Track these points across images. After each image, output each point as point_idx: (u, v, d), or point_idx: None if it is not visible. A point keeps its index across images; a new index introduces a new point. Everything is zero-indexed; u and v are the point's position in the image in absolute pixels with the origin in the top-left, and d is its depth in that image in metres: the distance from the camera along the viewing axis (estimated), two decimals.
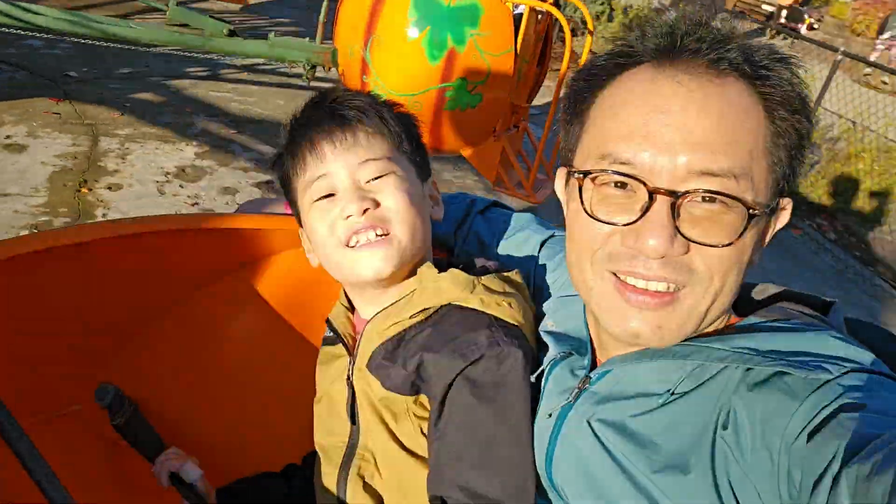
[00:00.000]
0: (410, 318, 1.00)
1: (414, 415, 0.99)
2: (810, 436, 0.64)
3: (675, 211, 0.74)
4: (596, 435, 0.84)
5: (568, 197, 0.87)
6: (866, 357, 0.71)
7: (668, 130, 0.74)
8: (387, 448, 1.01)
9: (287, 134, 1.08)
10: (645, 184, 0.75)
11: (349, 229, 0.99)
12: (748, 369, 0.75)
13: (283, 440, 1.39)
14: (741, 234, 0.74)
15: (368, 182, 1.01)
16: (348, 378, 1.07)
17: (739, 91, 0.75)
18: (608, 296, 0.80)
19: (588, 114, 0.84)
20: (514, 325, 0.99)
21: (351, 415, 1.07)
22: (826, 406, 0.65)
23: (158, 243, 1.20)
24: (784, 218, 0.83)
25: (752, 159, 0.74)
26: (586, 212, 0.80)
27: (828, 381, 0.68)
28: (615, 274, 0.79)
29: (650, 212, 0.74)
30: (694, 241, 0.74)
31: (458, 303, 0.99)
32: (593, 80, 0.84)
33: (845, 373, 0.69)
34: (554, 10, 4.05)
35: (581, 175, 0.81)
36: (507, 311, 0.99)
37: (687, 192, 0.73)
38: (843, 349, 0.72)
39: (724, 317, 0.85)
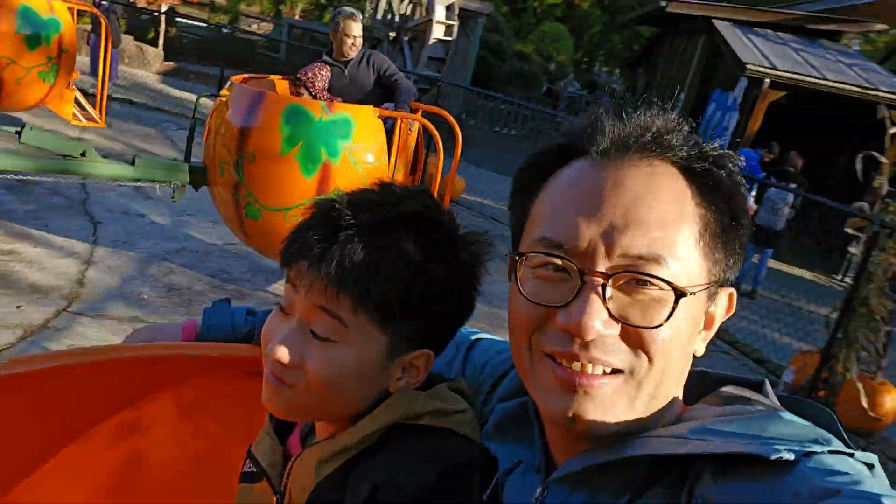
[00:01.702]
0: (359, 444, 0.92)
1: None
2: None
3: (605, 292, 0.74)
4: None
5: (510, 282, 0.86)
6: (823, 435, 0.72)
7: (599, 214, 0.76)
8: None
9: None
10: (576, 265, 0.76)
11: (267, 363, 0.91)
12: (711, 460, 0.73)
13: None
14: (670, 315, 0.74)
15: (313, 334, 0.89)
16: None
17: (669, 176, 0.78)
18: (545, 379, 0.79)
19: (530, 205, 0.86)
20: (465, 438, 0.94)
21: None
22: (799, 494, 0.64)
23: (41, 383, 1.06)
24: (725, 307, 0.84)
25: (684, 244, 0.76)
26: (521, 293, 0.81)
27: (797, 467, 0.67)
28: (553, 357, 0.78)
29: (581, 293, 0.75)
30: (626, 323, 0.74)
31: (408, 421, 0.92)
32: (533, 174, 0.87)
33: (809, 453, 0.68)
34: (423, 121, 4.19)
35: (516, 256, 0.83)
36: (460, 424, 0.94)
37: (616, 273, 0.74)
38: (799, 429, 0.73)
39: (673, 407, 0.84)
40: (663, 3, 13.62)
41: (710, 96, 13.20)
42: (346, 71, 4.66)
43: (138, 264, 4.93)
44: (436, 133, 4.11)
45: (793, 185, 8.42)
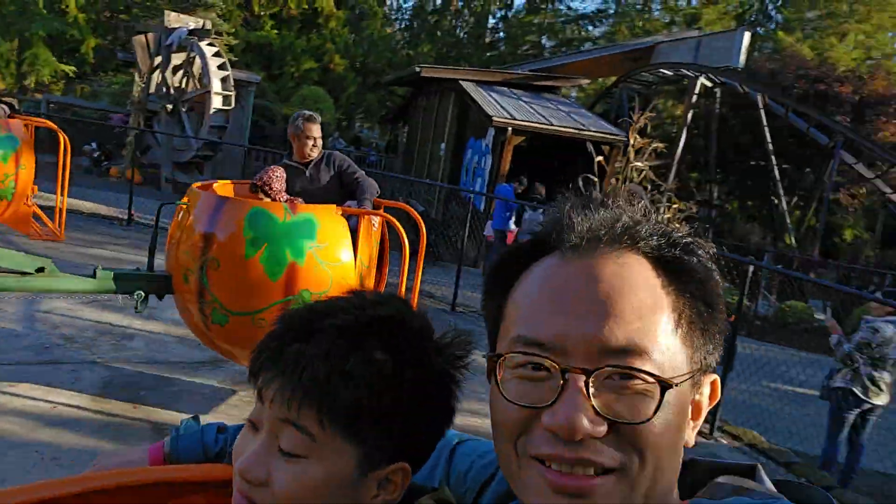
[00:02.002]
0: None
1: None
2: None
3: (588, 389, 0.72)
4: None
5: (490, 384, 0.83)
6: None
7: (575, 310, 0.75)
8: None
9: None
10: (557, 364, 0.74)
11: (235, 481, 0.87)
12: None
13: None
14: (657, 408, 0.72)
15: (280, 450, 0.85)
16: None
17: (641, 267, 0.78)
18: (533, 484, 0.76)
19: (504, 304, 0.85)
20: None
21: None
22: None
23: None
24: (712, 395, 0.83)
25: (663, 334, 0.75)
26: (503, 395, 0.78)
27: None
28: (541, 461, 0.75)
29: (564, 391, 0.73)
30: (613, 420, 0.72)
31: None
32: (506, 272, 0.86)
33: None
34: (387, 217, 4.23)
35: (494, 358, 0.80)
36: None
37: (599, 368, 0.73)
38: None
39: (670, 502, 0.81)
40: (417, 69, 16.62)
41: (467, 144, 15.99)
42: (307, 172, 4.71)
43: None
44: (400, 228, 4.14)
45: (541, 209, 10.74)
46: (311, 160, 4.74)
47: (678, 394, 0.75)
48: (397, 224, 4.15)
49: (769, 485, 0.82)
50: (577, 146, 14.50)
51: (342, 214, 4.07)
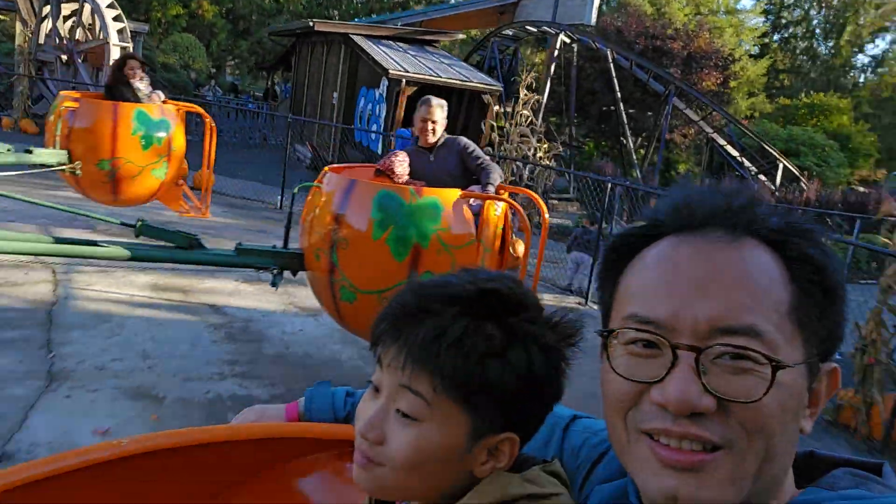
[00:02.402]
0: None
1: None
2: None
3: (700, 366, 0.74)
4: None
5: (601, 360, 0.86)
6: None
7: (688, 289, 0.76)
8: None
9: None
10: (668, 341, 0.76)
11: (357, 441, 0.95)
12: None
13: None
14: (768, 388, 0.72)
15: (398, 412, 0.91)
16: None
17: (758, 252, 0.78)
18: (643, 458, 0.78)
19: (617, 284, 0.88)
20: None
21: None
22: None
23: (154, 464, 1.13)
24: (831, 384, 0.82)
25: (777, 317, 0.75)
26: (613, 370, 0.81)
27: None
28: (650, 435, 0.77)
29: (675, 368, 0.75)
30: (722, 397, 0.73)
31: None
32: (622, 253, 0.88)
33: None
34: (510, 202, 4.27)
35: (606, 333, 0.84)
36: None
37: (710, 347, 0.74)
38: None
39: (783, 489, 0.81)
40: (311, 24, 17.97)
41: (359, 93, 17.92)
42: (431, 156, 4.83)
43: None
44: (522, 213, 4.18)
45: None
46: (435, 144, 4.84)
47: (791, 378, 0.75)
48: (520, 209, 4.19)
49: (894, 482, 0.80)
50: (460, 94, 17.34)
51: (466, 199, 4.15)
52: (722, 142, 20.91)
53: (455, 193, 4.12)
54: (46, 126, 7.20)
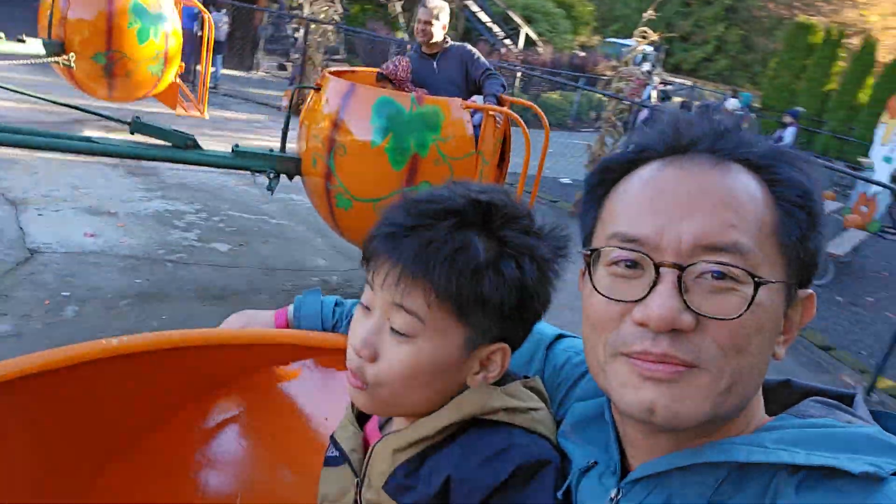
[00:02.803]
0: (433, 436, 0.95)
1: None
2: None
3: (682, 284, 0.74)
4: None
5: (582, 281, 0.87)
6: None
7: (672, 208, 0.77)
8: None
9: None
10: (651, 259, 0.76)
11: (348, 358, 0.97)
12: (793, 473, 0.72)
13: None
14: (749, 305, 0.73)
15: (392, 330, 0.92)
16: (356, 501, 1.01)
17: (743, 175, 0.78)
18: (621, 373, 0.79)
19: (601, 206, 0.88)
20: (541, 436, 0.96)
21: None
22: None
23: (142, 364, 1.15)
24: (806, 312, 0.83)
25: (760, 237, 0.75)
26: (596, 290, 0.81)
27: (886, 485, 0.65)
28: (628, 356, 0.79)
29: (657, 286, 0.75)
30: (702, 315, 0.74)
31: (482, 416, 0.95)
32: (607, 176, 0.88)
33: None
34: (512, 114, 4.20)
35: (588, 252, 0.84)
36: (533, 422, 0.96)
37: (692, 264, 0.74)
38: (890, 447, 0.70)
39: (753, 416, 0.83)
40: None
41: None
42: (434, 63, 4.71)
43: None
44: (524, 126, 4.11)
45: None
46: (439, 52, 4.72)
47: (770, 299, 0.76)
48: (521, 122, 4.12)
49: (865, 414, 0.81)
50: None
51: (467, 109, 4.08)
52: (475, 8, 23.17)
53: (456, 103, 4.04)
54: (39, 13, 6.97)
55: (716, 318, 0.74)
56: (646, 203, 0.79)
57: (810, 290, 0.82)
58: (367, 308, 0.96)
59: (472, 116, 4.12)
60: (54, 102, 4.89)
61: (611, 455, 0.90)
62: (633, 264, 0.79)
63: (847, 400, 0.84)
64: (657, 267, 0.76)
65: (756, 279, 0.73)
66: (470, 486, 0.89)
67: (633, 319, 0.77)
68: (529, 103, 4.76)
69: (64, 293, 4.00)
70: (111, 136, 4.75)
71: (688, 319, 0.74)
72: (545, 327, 1.20)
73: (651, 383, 0.76)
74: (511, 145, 4.73)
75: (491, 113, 4.17)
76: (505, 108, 4.30)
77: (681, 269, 0.75)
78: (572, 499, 0.92)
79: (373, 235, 0.94)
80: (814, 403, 0.83)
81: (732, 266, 0.74)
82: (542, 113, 4.55)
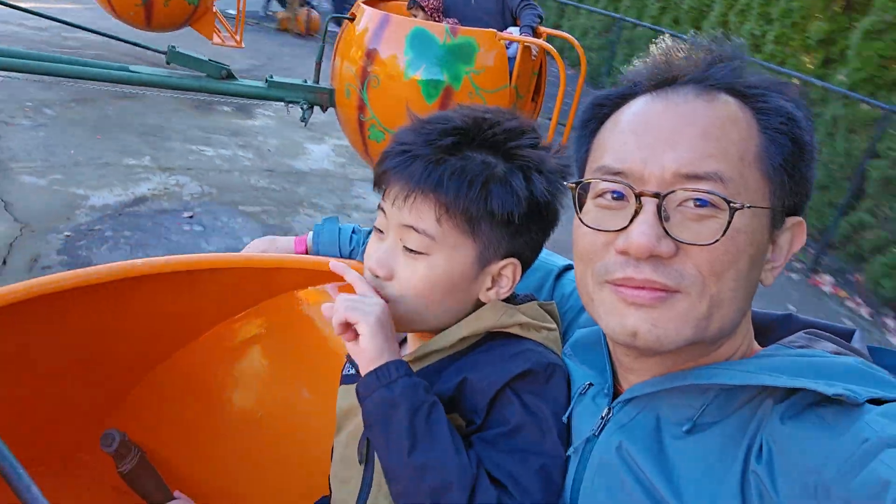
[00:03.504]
0: (451, 346, 0.98)
1: None
2: (854, 476, 0.61)
3: (662, 213, 0.76)
4: (623, 467, 0.83)
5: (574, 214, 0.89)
6: None
7: (656, 140, 0.78)
8: None
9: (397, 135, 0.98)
10: (633, 189, 0.78)
11: (367, 278, 0.99)
12: (778, 401, 0.74)
13: (295, 486, 1.37)
14: (725, 230, 0.74)
15: (406, 249, 0.95)
16: None
17: (729, 105, 0.79)
18: (607, 302, 0.82)
19: (592, 141, 0.90)
20: (552, 352, 0.99)
21: (367, 455, 1.05)
22: (868, 441, 0.63)
23: (165, 285, 1.19)
24: (795, 239, 0.83)
25: (742, 165, 0.76)
26: (582, 221, 0.84)
27: (866, 413, 0.66)
28: (612, 284, 0.81)
29: (638, 214, 0.77)
30: (681, 241, 0.76)
31: (499, 329, 0.98)
32: (598, 112, 0.90)
33: (882, 402, 0.67)
34: (548, 47, 4.11)
35: (574, 184, 0.87)
36: (546, 339, 0.99)
37: (671, 192, 0.76)
38: (875, 378, 0.72)
39: (743, 343, 0.85)
40: None
41: None
42: None
43: None
44: (559, 59, 4.02)
45: None
46: None
47: (752, 224, 0.77)
48: (557, 55, 4.03)
49: (863, 350, 0.82)
50: None
51: (501, 41, 4.00)
52: None
53: (491, 34, 3.96)
54: None
55: (694, 244, 0.75)
56: (631, 136, 0.81)
57: (799, 217, 0.83)
58: (381, 231, 0.98)
59: (507, 48, 4.04)
60: (88, 30, 4.91)
61: (605, 377, 0.94)
62: (618, 195, 0.81)
63: (847, 336, 0.85)
64: (638, 197, 0.77)
65: (731, 205, 0.74)
66: (484, 383, 0.93)
67: (616, 248, 0.79)
68: (567, 35, 4.63)
69: None
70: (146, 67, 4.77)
71: (667, 246, 0.76)
72: (555, 258, 1.23)
73: (634, 309, 0.79)
74: (546, 78, 4.64)
75: (526, 45, 4.09)
76: (541, 41, 4.21)
77: (660, 196, 0.76)
78: (570, 418, 0.95)
79: (383, 159, 0.96)
80: (804, 335, 0.84)
81: (710, 193, 0.75)
82: (580, 45, 4.43)
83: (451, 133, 0.92)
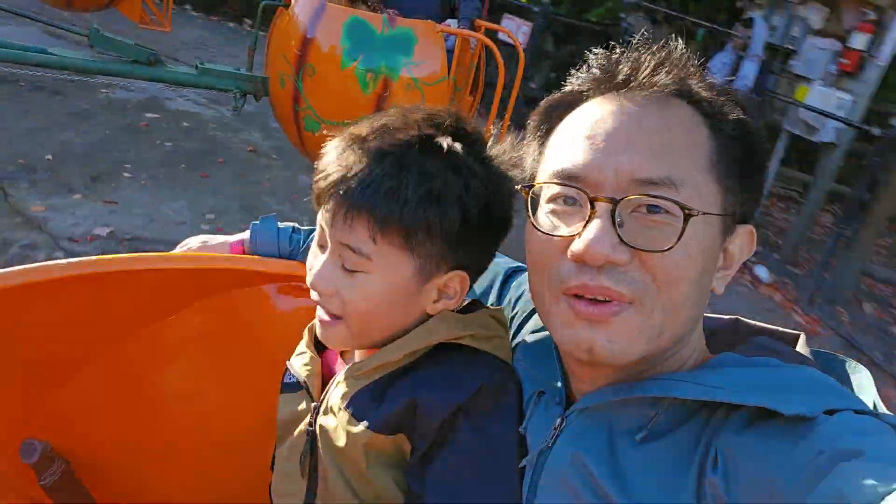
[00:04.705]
0: (399, 360, 0.95)
1: (389, 458, 0.95)
2: (810, 485, 0.61)
3: (615, 219, 0.75)
4: (578, 478, 0.82)
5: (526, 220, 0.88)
6: (850, 395, 0.71)
7: (609, 145, 0.77)
8: (348, 500, 0.96)
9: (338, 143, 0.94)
10: (587, 194, 0.77)
11: (312, 295, 0.97)
12: (731, 410, 0.74)
13: (233, 495, 1.32)
14: (679, 237, 0.74)
15: (343, 267, 0.92)
16: (310, 426, 1.02)
17: (680, 109, 0.79)
18: (562, 314, 0.81)
19: (543, 144, 0.89)
20: (503, 361, 0.97)
21: (309, 468, 1.01)
22: (822, 453, 0.63)
23: (96, 286, 1.12)
24: (745, 247, 0.84)
25: (695, 171, 0.76)
26: (535, 227, 0.83)
27: (820, 424, 0.66)
28: (567, 295, 0.80)
29: (591, 220, 0.76)
30: (635, 248, 0.75)
31: (449, 341, 0.96)
32: (550, 115, 0.89)
33: (832, 411, 0.68)
34: (486, 40, 4.10)
35: (526, 188, 0.85)
36: (497, 348, 0.98)
37: (624, 197, 0.75)
38: (827, 387, 0.72)
39: (694, 350, 0.85)
40: None
41: None
42: None
43: None
44: (497, 52, 4.02)
45: None
46: None
47: (705, 231, 0.76)
48: (495, 49, 4.02)
49: (807, 354, 0.83)
50: None
51: (440, 33, 3.97)
52: None
53: (430, 26, 3.92)
54: None
55: (648, 251, 0.75)
56: (584, 141, 0.79)
57: (749, 225, 0.83)
58: (321, 247, 0.96)
59: (445, 40, 4.01)
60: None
61: (556, 386, 0.93)
62: (571, 201, 0.80)
63: (792, 340, 0.86)
64: (592, 202, 0.76)
65: (686, 211, 0.74)
66: (435, 405, 0.90)
67: (570, 255, 0.78)
68: (504, 28, 4.64)
69: None
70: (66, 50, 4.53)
71: (622, 253, 0.75)
72: (502, 260, 1.21)
73: (588, 324, 0.78)
74: (484, 71, 4.64)
75: (465, 37, 4.07)
76: (479, 34, 4.20)
77: (614, 202, 0.75)
78: (523, 426, 0.94)
79: (317, 176, 0.93)
80: (758, 342, 0.85)
81: (665, 199, 0.74)
82: (517, 39, 4.44)
83: (385, 148, 0.89)
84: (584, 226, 0.76)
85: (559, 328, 0.82)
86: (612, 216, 0.75)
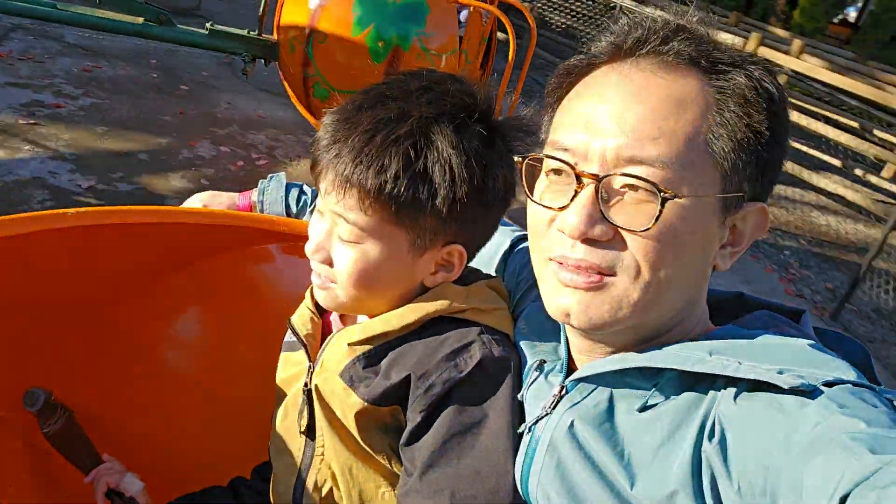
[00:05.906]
0: (396, 331, 0.96)
1: (385, 426, 0.96)
2: (807, 457, 0.62)
3: (600, 195, 0.76)
4: (574, 445, 0.83)
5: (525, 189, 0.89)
6: (849, 368, 0.71)
7: (605, 119, 0.77)
8: (346, 462, 0.98)
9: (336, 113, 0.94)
10: (574, 169, 0.78)
11: (310, 262, 0.98)
12: (731, 382, 0.74)
13: (232, 451, 1.33)
14: (657, 219, 0.74)
15: (339, 238, 0.93)
16: (305, 386, 1.02)
17: (686, 82, 0.77)
18: (549, 280, 0.83)
19: (555, 111, 0.89)
20: (503, 333, 0.98)
21: (308, 427, 1.02)
22: (820, 424, 0.63)
23: (100, 237, 1.13)
24: (758, 225, 0.82)
25: (689, 149, 0.75)
26: (530, 198, 0.85)
27: (817, 396, 0.67)
28: (552, 261, 0.82)
29: (577, 195, 0.77)
30: (617, 226, 0.76)
31: (447, 313, 0.96)
32: (563, 80, 0.88)
33: (832, 385, 0.68)
34: (498, 13, 4.06)
35: (521, 159, 0.87)
36: (496, 320, 0.98)
37: (608, 175, 0.75)
38: (825, 360, 0.72)
39: (696, 324, 0.85)
40: None
41: None
42: None
43: None
44: (509, 25, 3.97)
45: None
46: None
47: (694, 212, 0.75)
48: (507, 21, 3.98)
49: (808, 330, 0.83)
50: None
51: (453, 3, 3.92)
52: None
53: None
54: None
55: (626, 230, 0.75)
56: (581, 114, 0.80)
57: (760, 203, 0.81)
58: (321, 212, 0.97)
59: (458, 12, 3.97)
60: None
61: (559, 354, 0.94)
62: (564, 175, 0.81)
63: (796, 316, 0.86)
64: (578, 177, 0.77)
65: (662, 194, 0.73)
66: (432, 380, 0.91)
67: (556, 226, 0.80)
68: (517, 2, 4.58)
69: None
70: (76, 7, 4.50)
71: (602, 229, 0.76)
72: (509, 227, 1.21)
73: (569, 291, 0.80)
74: (496, 46, 4.59)
75: (478, 9, 4.02)
76: (492, 7, 4.15)
77: (598, 179, 0.76)
78: (522, 393, 0.95)
79: (315, 146, 0.94)
80: (760, 316, 0.85)
81: (644, 179, 0.74)
82: (529, 13, 4.40)
83: (380, 121, 0.88)
84: (571, 200, 0.78)
85: (545, 293, 0.84)
86: (597, 192, 0.76)
